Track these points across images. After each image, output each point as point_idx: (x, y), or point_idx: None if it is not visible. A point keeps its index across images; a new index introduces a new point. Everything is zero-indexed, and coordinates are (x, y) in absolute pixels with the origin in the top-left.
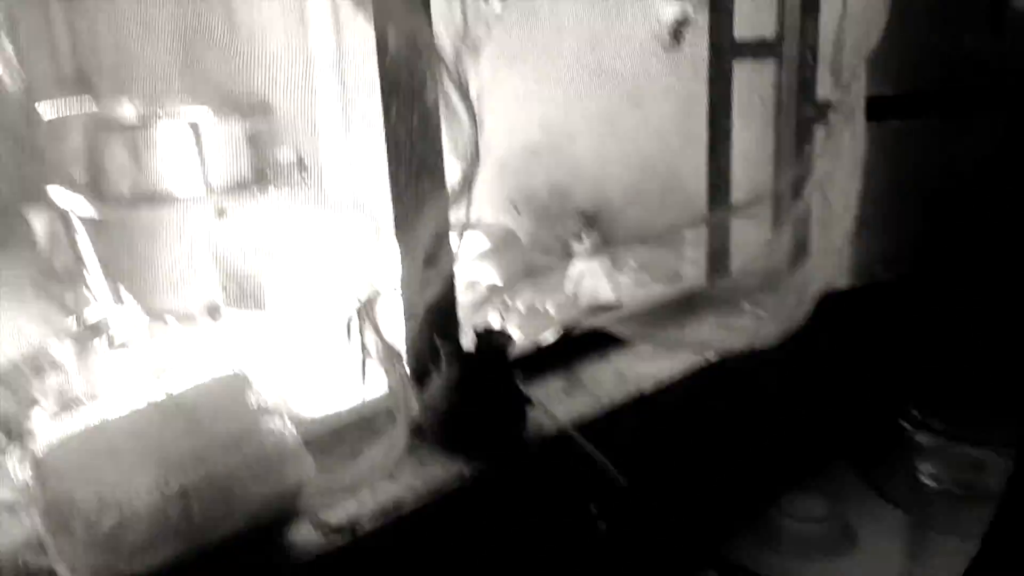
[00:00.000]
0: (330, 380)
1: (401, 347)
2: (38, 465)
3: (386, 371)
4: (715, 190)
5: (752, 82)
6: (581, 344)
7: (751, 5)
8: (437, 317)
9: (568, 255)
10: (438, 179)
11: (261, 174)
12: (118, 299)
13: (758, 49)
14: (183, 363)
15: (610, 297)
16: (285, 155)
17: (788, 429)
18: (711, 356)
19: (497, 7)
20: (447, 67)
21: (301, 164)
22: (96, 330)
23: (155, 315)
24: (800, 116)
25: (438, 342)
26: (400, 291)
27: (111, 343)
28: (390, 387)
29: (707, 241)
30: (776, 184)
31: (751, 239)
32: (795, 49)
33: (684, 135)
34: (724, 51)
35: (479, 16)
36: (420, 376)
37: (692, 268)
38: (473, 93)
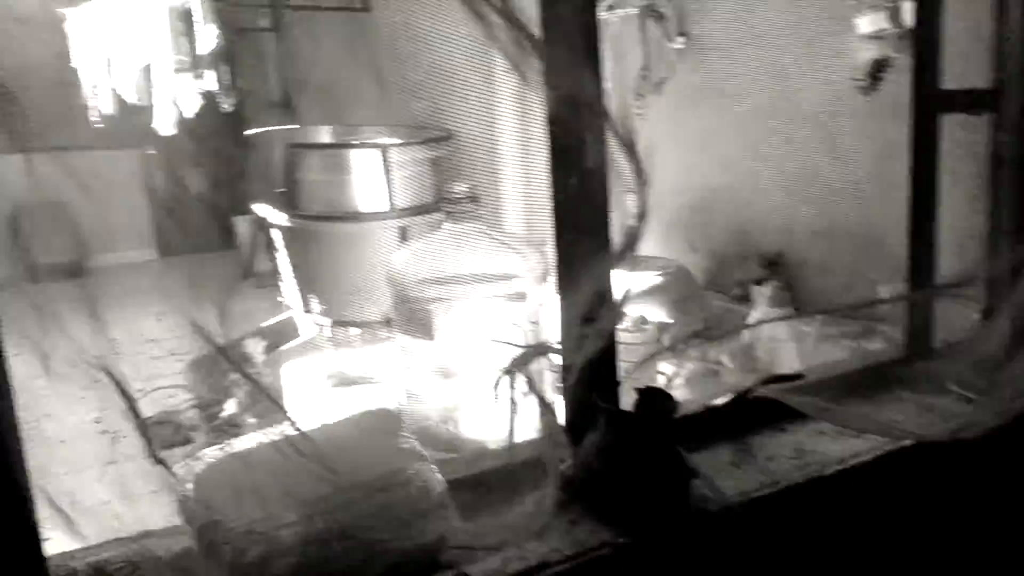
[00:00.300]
0: (485, 421)
1: (556, 401)
2: (198, 482)
3: (539, 425)
4: (917, 258)
5: (963, 138)
6: (756, 411)
7: (962, 50)
8: (595, 373)
9: (746, 299)
10: (602, 237)
11: (439, 202)
12: (307, 306)
13: (970, 101)
14: (355, 373)
15: (793, 363)
16: (460, 186)
17: (990, 535)
18: (907, 441)
19: (679, 44)
20: (614, 124)
21: (473, 196)
22: (284, 332)
23: (338, 323)
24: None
25: (595, 399)
26: (559, 344)
27: (296, 345)
28: (542, 442)
29: (906, 312)
30: (991, 262)
31: (959, 312)
32: (1016, 103)
33: (881, 185)
34: (929, 101)
35: (661, 55)
36: (575, 433)
37: (887, 338)
38: (641, 149)
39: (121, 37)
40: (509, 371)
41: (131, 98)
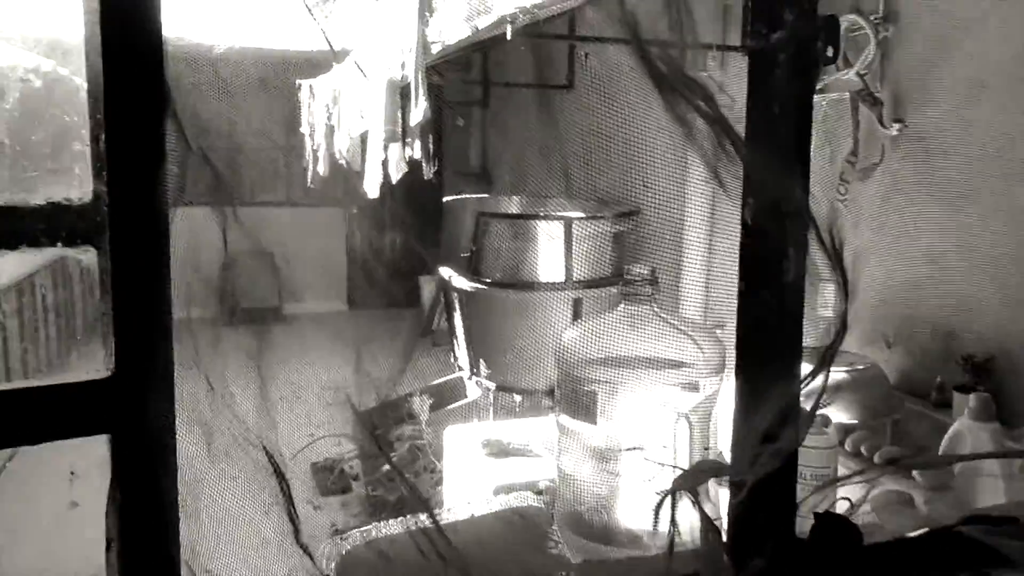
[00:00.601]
0: (640, 512)
1: (721, 522)
2: (339, 571)
3: (700, 547)
4: None
5: None
6: (954, 550)
7: None
8: (768, 492)
9: (946, 405)
10: (793, 356)
11: (616, 277)
12: (475, 368)
13: None
14: (513, 443)
15: (997, 494)
16: (640, 268)
17: None
18: None
19: (894, 130)
20: (818, 231)
21: (653, 279)
22: (452, 392)
23: (502, 388)
24: None
25: (766, 523)
26: (730, 460)
27: (461, 406)
28: (702, 559)
29: None
30: None
31: None
32: None
33: None
34: None
35: (873, 141)
36: (739, 557)
37: None
38: (848, 259)
39: (346, 106)
40: (672, 492)
41: (345, 162)
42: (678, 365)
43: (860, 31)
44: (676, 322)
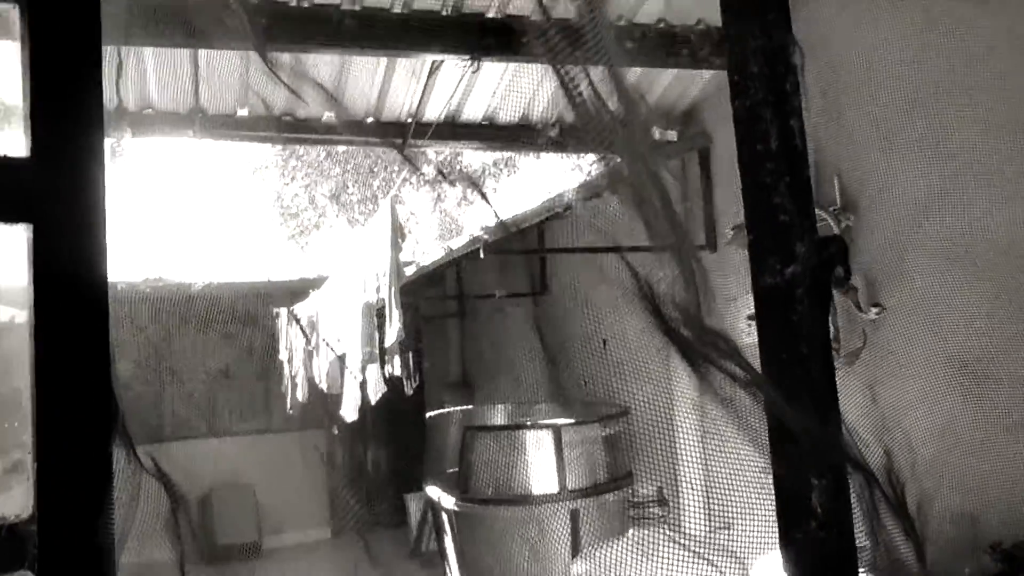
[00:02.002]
0: None
1: None
2: None
3: None
4: None
5: None
6: None
7: None
8: None
9: None
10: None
11: (610, 483)
12: None
13: None
14: None
15: None
16: (645, 489)
17: None
18: None
19: (873, 314)
20: (877, 481)
21: (662, 499)
22: None
23: None
24: None
25: None
26: None
27: None
28: None
29: None
30: None
31: None
32: None
33: None
34: None
35: (853, 327)
36: None
37: None
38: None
39: (324, 331)
40: None
41: (324, 386)
42: None
43: (822, 223)
44: (692, 544)
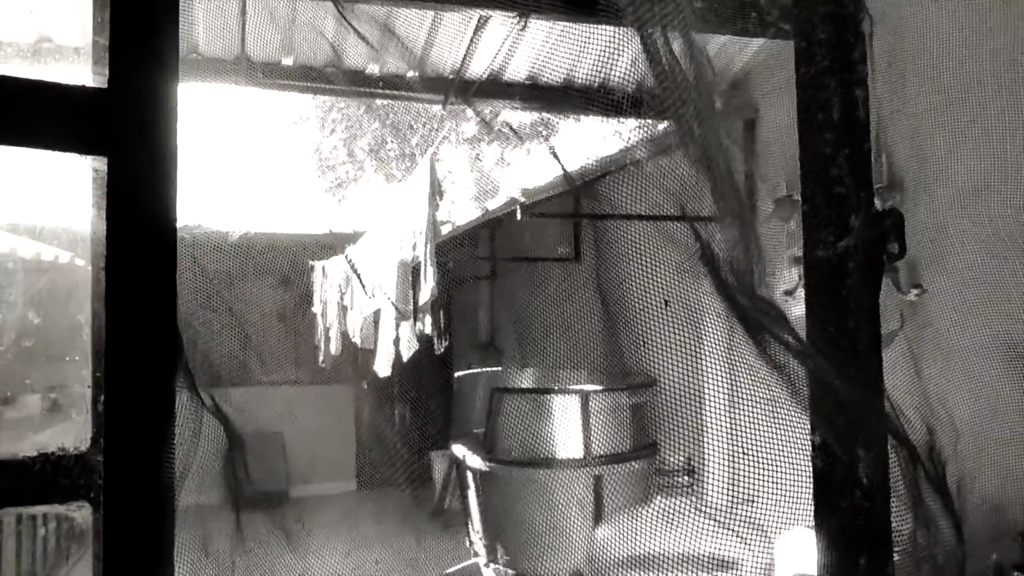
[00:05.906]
0: None
1: None
2: None
3: None
4: None
5: None
6: None
7: None
8: None
9: None
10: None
11: (636, 451)
12: (492, 555)
13: None
14: None
15: None
16: (675, 458)
17: None
18: None
19: (913, 296)
20: (919, 457)
21: (691, 468)
22: None
23: (522, 574)
24: None
25: None
26: None
27: None
28: None
29: None
30: None
31: None
32: None
33: None
34: None
35: (893, 308)
36: None
37: None
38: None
39: (356, 288)
40: None
41: (356, 341)
42: (723, 566)
43: None
44: (721, 519)
